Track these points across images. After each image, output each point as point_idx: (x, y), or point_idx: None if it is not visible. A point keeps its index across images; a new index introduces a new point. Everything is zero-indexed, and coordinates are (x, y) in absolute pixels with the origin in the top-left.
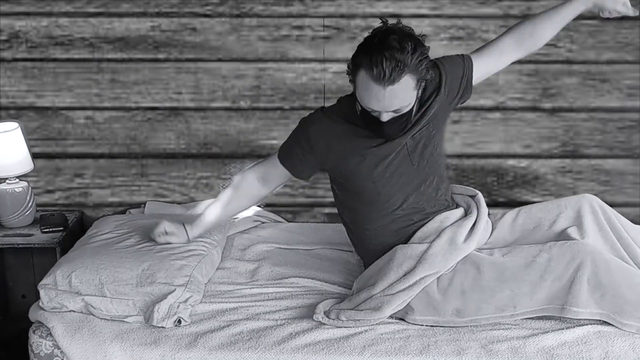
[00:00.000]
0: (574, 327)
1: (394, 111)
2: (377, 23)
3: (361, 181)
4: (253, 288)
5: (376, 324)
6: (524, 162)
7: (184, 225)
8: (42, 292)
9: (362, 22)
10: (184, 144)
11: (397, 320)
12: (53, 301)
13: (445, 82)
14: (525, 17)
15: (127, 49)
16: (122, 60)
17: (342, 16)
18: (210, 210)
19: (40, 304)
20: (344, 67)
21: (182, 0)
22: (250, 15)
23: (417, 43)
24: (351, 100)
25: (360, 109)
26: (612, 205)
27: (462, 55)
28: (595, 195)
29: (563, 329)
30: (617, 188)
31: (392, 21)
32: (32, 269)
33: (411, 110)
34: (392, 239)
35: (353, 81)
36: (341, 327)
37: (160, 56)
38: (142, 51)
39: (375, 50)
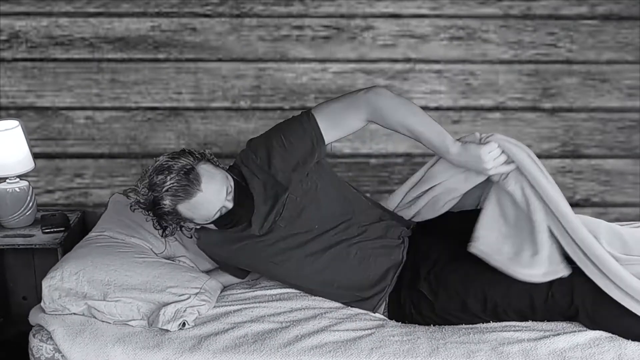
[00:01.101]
0: (586, 329)
1: (228, 194)
2: (377, 23)
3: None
4: (256, 290)
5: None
6: None
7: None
8: (45, 290)
9: (362, 22)
10: (184, 144)
11: (405, 324)
12: (55, 303)
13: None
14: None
15: (127, 49)
16: (122, 60)
17: (342, 16)
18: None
19: (42, 303)
20: (344, 67)
21: (182, 0)
22: (250, 15)
23: (168, 157)
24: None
25: (214, 226)
26: (612, 205)
27: (307, 113)
28: (595, 195)
29: (575, 331)
30: (617, 188)
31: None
32: (33, 270)
33: (237, 182)
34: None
35: (185, 222)
36: None
37: (160, 56)
38: (142, 51)
39: (163, 193)
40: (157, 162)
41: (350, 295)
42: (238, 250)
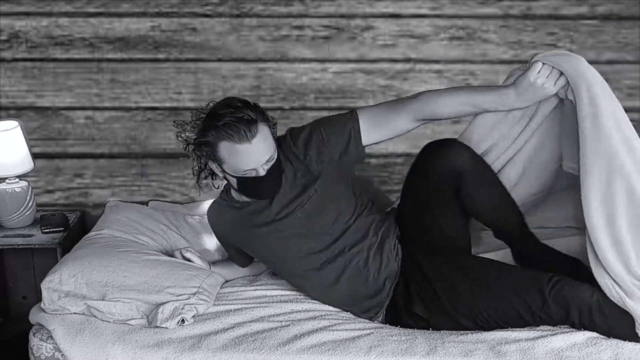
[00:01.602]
0: (583, 329)
1: (268, 161)
2: (377, 23)
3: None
4: (257, 290)
5: None
6: None
7: (210, 265)
8: (45, 293)
9: (362, 22)
10: None
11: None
12: (55, 304)
13: (310, 145)
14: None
15: (127, 49)
16: (122, 60)
17: (342, 16)
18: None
19: (42, 305)
20: (344, 67)
21: (182, 0)
22: (250, 15)
23: (242, 101)
24: (225, 191)
25: (236, 185)
26: None
27: (351, 112)
28: None
29: (572, 331)
30: None
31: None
32: (33, 270)
33: (279, 158)
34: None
35: (215, 162)
36: None
37: (160, 56)
38: (142, 51)
39: (218, 123)
40: (229, 99)
41: (349, 303)
42: (248, 231)
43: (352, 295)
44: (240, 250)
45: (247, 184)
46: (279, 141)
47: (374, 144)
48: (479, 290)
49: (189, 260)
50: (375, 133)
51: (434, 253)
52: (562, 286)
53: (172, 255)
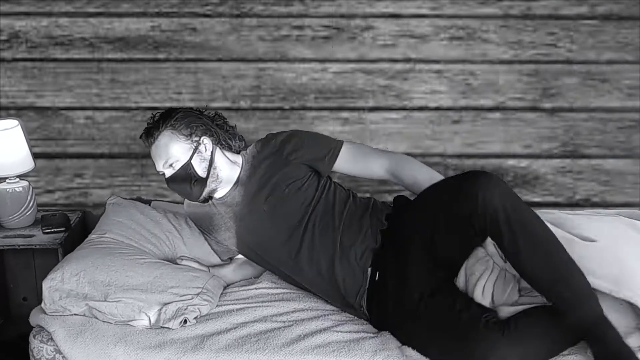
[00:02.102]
0: None
1: (170, 165)
2: (377, 23)
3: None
4: (259, 289)
5: None
6: (524, 162)
7: (209, 269)
8: (46, 291)
9: (362, 22)
10: None
11: None
12: (56, 304)
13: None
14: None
15: (127, 49)
16: (122, 60)
17: (342, 16)
18: (235, 268)
19: (43, 305)
20: (344, 67)
21: (182, 0)
22: (250, 15)
23: (168, 110)
24: None
25: None
26: (612, 205)
27: (337, 140)
28: (595, 195)
29: None
30: (617, 188)
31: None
32: (34, 271)
33: (191, 168)
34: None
35: None
36: None
37: (160, 56)
38: (142, 51)
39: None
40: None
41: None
42: (218, 221)
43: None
44: (220, 247)
45: (166, 183)
46: (262, 141)
47: (341, 173)
48: (428, 335)
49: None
50: (349, 163)
51: (405, 277)
52: None
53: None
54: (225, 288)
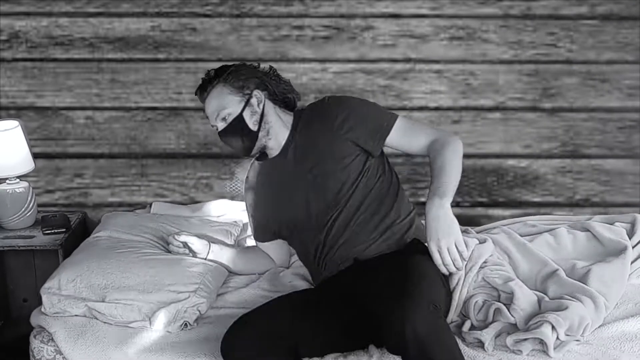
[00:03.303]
0: None
1: (222, 119)
2: (377, 23)
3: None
4: (258, 290)
5: None
6: (524, 162)
7: (210, 244)
8: (44, 297)
9: (362, 22)
10: (184, 144)
11: None
12: (55, 307)
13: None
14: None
15: (127, 49)
16: (122, 60)
17: (342, 16)
18: (239, 252)
19: (43, 309)
20: (344, 67)
21: (182, 0)
22: (250, 15)
23: (237, 66)
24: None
25: None
26: (612, 205)
27: (392, 114)
28: (595, 195)
29: None
30: (617, 188)
31: None
32: (34, 272)
33: (242, 121)
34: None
35: None
36: None
37: (160, 56)
38: (142, 51)
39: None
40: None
41: None
42: (266, 187)
43: None
44: (263, 221)
45: (219, 136)
46: (317, 104)
47: (391, 148)
48: None
49: (185, 243)
50: (394, 140)
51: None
52: None
53: (169, 244)
54: (223, 288)
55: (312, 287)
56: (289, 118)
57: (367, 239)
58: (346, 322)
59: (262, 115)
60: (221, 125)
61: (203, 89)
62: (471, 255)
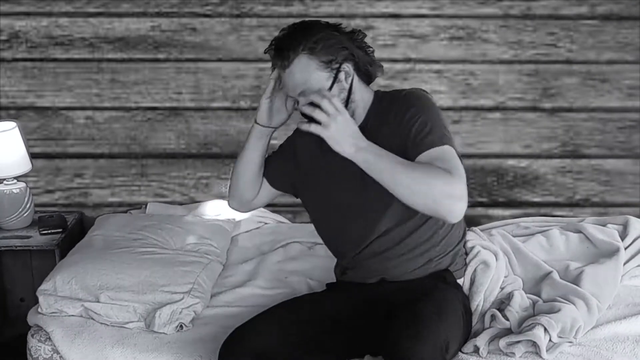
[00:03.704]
0: None
1: (304, 95)
2: (377, 23)
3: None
4: (254, 289)
5: None
6: (524, 162)
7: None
8: (41, 299)
9: (362, 22)
10: (184, 144)
11: None
12: (52, 307)
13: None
14: None
15: (127, 49)
16: (122, 60)
17: (342, 16)
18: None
19: (39, 310)
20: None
21: (182, 0)
22: (250, 15)
23: (323, 30)
24: None
25: None
26: (612, 205)
27: (445, 136)
28: (595, 195)
29: None
30: (617, 188)
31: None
32: (31, 272)
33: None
34: None
35: None
36: None
37: (160, 56)
38: (142, 51)
39: (272, 43)
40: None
41: None
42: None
43: None
44: (281, 169)
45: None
46: (397, 97)
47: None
48: None
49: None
50: (430, 160)
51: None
52: None
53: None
54: (217, 287)
55: (320, 289)
56: (368, 97)
57: (408, 268)
58: (349, 331)
59: (349, 92)
60: (302, 101)
61: (282, 57)
62: (491, 277)
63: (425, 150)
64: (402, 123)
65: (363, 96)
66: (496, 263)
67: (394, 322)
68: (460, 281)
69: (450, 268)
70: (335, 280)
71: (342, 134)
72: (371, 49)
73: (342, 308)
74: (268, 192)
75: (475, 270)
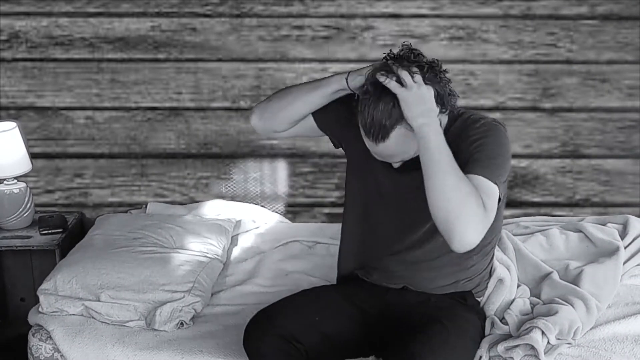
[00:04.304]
0: None
1: (396, 161)
2: (377, 23)
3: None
4: (254, 287)
5: None
6: (524, 162)
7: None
8: (41, 298)
9: (362, 22)
10: (184, 144)
11: None
12: (53, 306)
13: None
14: None
15: (127, 49)
16: (122, 60)
17: (342, 16)
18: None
19: (40, 309)
20: (344, 67)
21: (182, 0)
22: (250, 15)
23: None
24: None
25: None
26: (612, 205)
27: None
28: (595, 195)
29: None
30: (617, 188)
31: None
32: (31, 272)
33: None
34: None
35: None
36: None
37: (160, 56)
38: (142, 51)
39: (361, 108)
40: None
41: None
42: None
43: None
44: (332, 120)
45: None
46: (471, 124)
47: None
48: None
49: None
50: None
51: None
52: None
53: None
54: (218, 286)
55: (332, 282)
56: (444, 120)
57: (435, 284)
58: (362, 328)
59: None
60: (396, 165)
61: (382, 137)
62: (505, 294)
63: (475, 174)
64: (467, 150)
65: (442, 121)
66: (510, 277)
67: (404, 336)
68: (480, 299)
69: (474, 290)
70: (335, 280)
71: (418, 102)
72: (449, 80)
73: (361, 306)
74: (301, 127)
75: (492, 286)
